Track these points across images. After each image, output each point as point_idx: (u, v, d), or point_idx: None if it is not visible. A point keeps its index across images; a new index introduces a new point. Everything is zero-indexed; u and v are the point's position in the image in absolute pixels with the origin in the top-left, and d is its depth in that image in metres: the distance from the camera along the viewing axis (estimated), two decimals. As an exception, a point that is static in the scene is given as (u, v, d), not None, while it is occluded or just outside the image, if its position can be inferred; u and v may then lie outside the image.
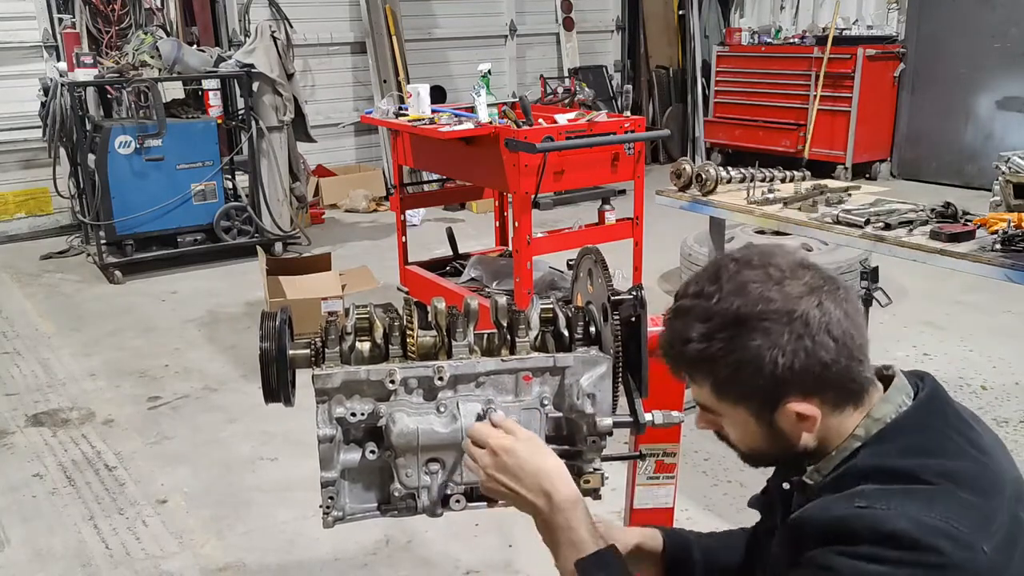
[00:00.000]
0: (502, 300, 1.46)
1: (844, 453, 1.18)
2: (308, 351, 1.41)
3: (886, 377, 1.24)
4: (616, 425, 1.45)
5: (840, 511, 1.08)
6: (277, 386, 1.40)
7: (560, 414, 1.45)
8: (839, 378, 1.14)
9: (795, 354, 1.11)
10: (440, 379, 1.37)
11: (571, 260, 1.72)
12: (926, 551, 1.01)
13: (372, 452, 1.39)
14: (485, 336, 1.47)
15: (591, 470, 1.49)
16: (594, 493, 1.52)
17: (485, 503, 1.47)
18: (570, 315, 1.48)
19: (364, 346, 1.43)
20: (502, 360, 1.41)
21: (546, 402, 1.43)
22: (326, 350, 1.39)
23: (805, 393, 1.14)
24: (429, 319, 1.45)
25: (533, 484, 1.27)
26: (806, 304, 1.12)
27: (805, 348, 1.11)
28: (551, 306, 1.49)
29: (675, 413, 1.56)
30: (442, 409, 1.38)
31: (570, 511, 1.26)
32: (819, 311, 1.12)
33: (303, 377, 1.44)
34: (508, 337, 1.45)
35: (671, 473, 1.92)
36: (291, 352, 1.41)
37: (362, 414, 1.37)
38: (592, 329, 1.47)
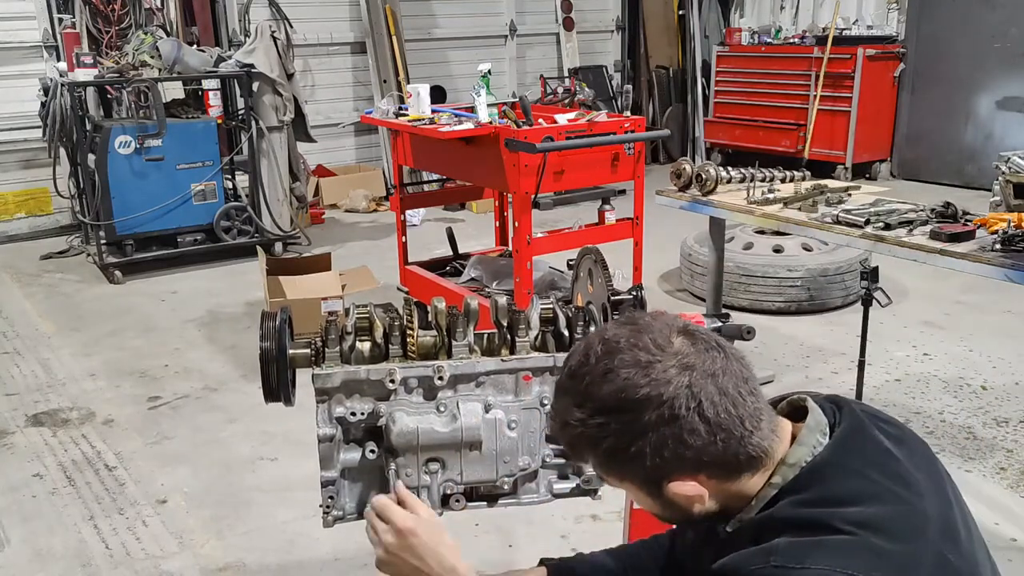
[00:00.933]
0: (502, 300, 1.46)
1: (763, 501, 1.14)
2: (308, 351, 1.42)
3: (800, 408, 1.21)
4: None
5: (754, 568, 1.06)
6: (277, 386, 1.40)
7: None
8: (717, 457, 1.11)
9: (663, 442, 1.09)
10: (440, 379, 1.37)
11: (571, 260, 1.72)
12: None
13: (372, 452, 1.39)
14: (485, 336, 1.47)
15: (590, 470, 1.50)
16: (593, 494, 1.52)
17: (485, 503, 1.47)
18: (570, 315, 1.48)
19: (364, 346, 1.43)
20: (502, 360, 1.41)
21: (546, 401, 1.43)
22: (326, 350, 1.39)
23: (683, 474, 1.12)
24: (429, 319, 1.45)
25: (436, 563, 1.29)
26: (674, 388, 1.08)
27: (673, 435, 1.08)
28: (551, 306, 1.49)
29: None
30: (442, 409, 1.38)
31: None
32: (688, 392, 1.08)
33: (303, 377, 1.44)
34: (508, 337, 1.45)
35: None
36: (291, 352, 1.41)
37: (362, 414, 1.37)
38: (592, 329, 1.47)
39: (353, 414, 1.37)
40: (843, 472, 1.12)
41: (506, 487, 1.46)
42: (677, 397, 1.08)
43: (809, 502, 1.10)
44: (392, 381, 1.37)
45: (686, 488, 1.12)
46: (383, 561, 1.32)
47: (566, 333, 1.47)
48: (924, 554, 1.05)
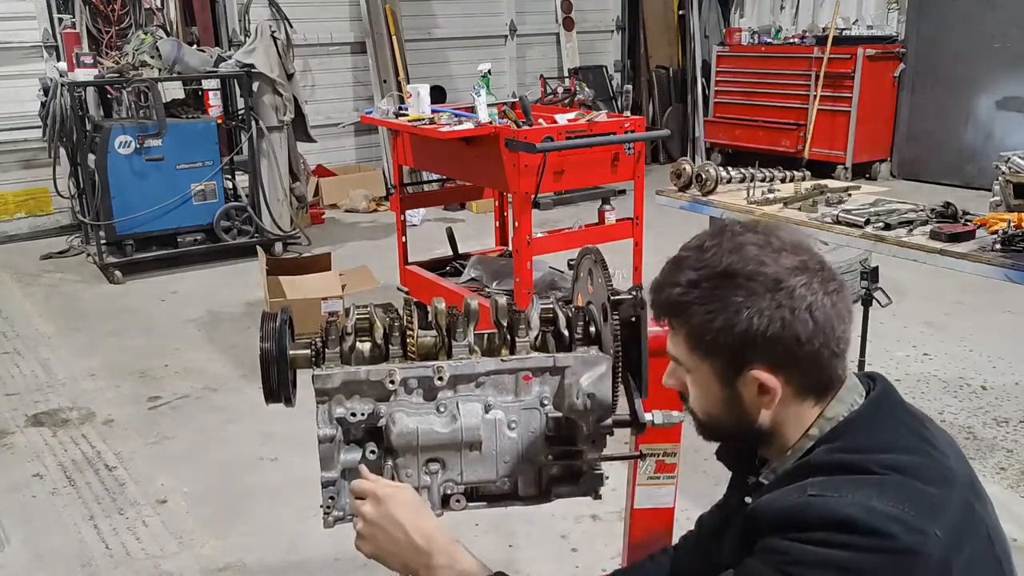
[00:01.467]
0: (502, 300, 1.46)
1: (799, 452, 1.19)
2: (308, 351, 1.41)
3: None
4: (616, 424, 1.45)
5: (791, 500, 1.09)
6: (278, 386, 1.40)
7: (560, 414, 1.45)
8: (809, 360, 1.15)
9: (771, 320, 1.12)
10: (440, 379, 1.37)
11: (572, 260, 1.72)
12: (878, 536, 1.02)
13: (372, 452, 1.39)
14: (485, 336, 1.47)
15: (591, 470, 1.49)
16: (594, 493, 1.52)
17: (485, 503, 1.47)
18: (570, 315, 1.48)
19: (364, 346, 1.42)
20: (502, 360, 1.41)
21: (546, 402, 1.43)
22: (326, 350, 1.39)
23: (772, 364, 1.15)
24: (429, 319, 1.45)
25: (413, 526, 1.26)
26: (795, 279, 1.13)
27: (783, 318, 1.12)
28: (551, 306, 1.49)
29: (675, 413, 1.56)
30: (442, 409, 1.38)
31: (453, 550, 1.26)
32: (806, 290, 1.13)
33: (303, 377, 1.44)
34: (508, 337, 1.44)
35: (671, 473, 1.92)
36: (291, 352, 1.41)
37: (362, 414, 1.37)
38: (592, 329, 1.47)
39: (353, 415, 1.37)
40: (877, 426, 1.17)
41: (506, 487, 1.46)
42: (796, 287, 1.13)
43: (843, 449, 1.14)
44: (392, 382, 1.37)
45: (765, 378, 1.15)
46: (362, 535, 1.30)
47: (566, 333, 1.47)
48: (953, 499, 1.09)
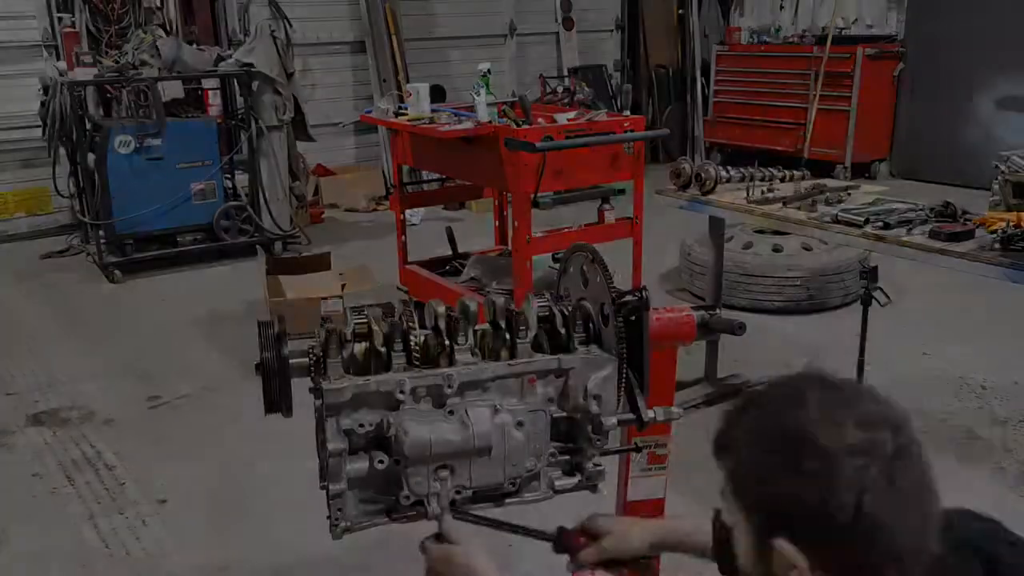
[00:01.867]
0: (500, 300, 1.46)
1: None
2: (306, 360, 1.40)
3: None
4: (620, 423, 1.46)
5: None
6: (279, 397, 1.39)
7: (563, 413, 1.45)
8: (845, 553, 1.02)
9: (806, 492, 1.01)
10: (450, 387, 1.37)
11: (557, 255, 1.72)
12: None
13: (381, 462, 1.37)
14: (480, 333, 1.47)
15: (591, 466, 1.50)
16: (594, 488, 1.52)
17: (491, 503, 1.47)
18: (566, 313, 1.48)
19: (367, 353, 1.42)
20: (508, 364, 1.41)
21: (551, 403, 1.42)
22: (328, 360, 1.37)
23: (800, 542, 1.04)
24: (427, 322, 1.45)
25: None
26: (849, 460, 1.00)
27: (818, 495, 1.01)
28: (547, 304, 1.49)
29: (675, 409, 1.57)
30: (452, 416, 1.37)
31: None
32: (857, 475, 1.00)
33: (297, 380, 1.43)
34: (508, 338, 1.44)
35: (663, 464, 1.94)
36: (292, 362, 1.40)
37: (370, 425, 1.36)
38: (591, 326, 1.47)
39: (361, 426, 1.36)
40: None
41: (512, 487, 1.46)
42: (846, 468, 1.00)
43: None
44: (402, 392, 1.35)
45: (793, 556, 1.04)
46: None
47: (563, 331, 1.47)
48: None
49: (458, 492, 1.41)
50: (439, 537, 1.43)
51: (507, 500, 1.49)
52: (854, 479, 1.00)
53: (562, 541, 1.51)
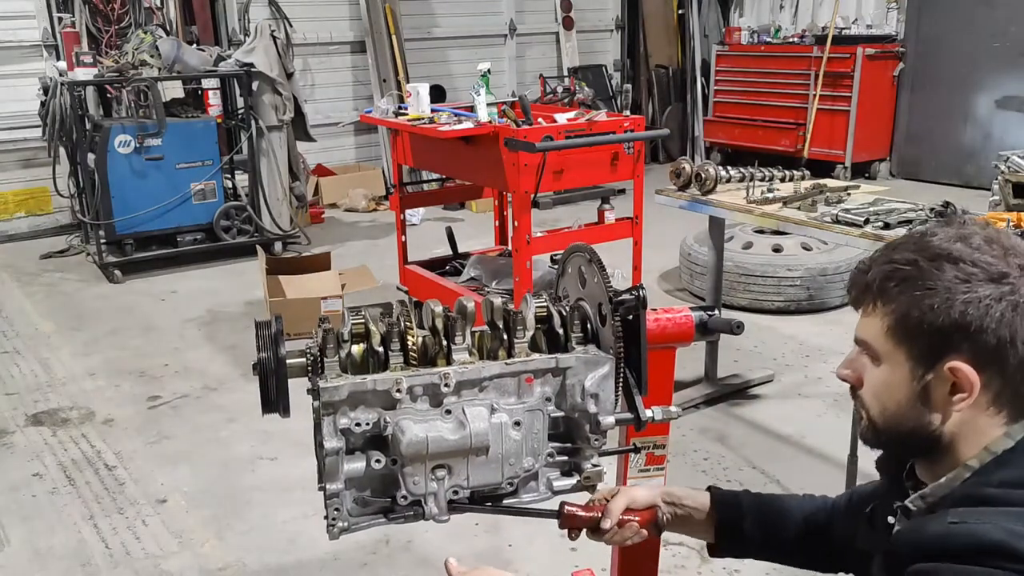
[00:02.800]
0: (497, 301, 1.46)
1: (953, 483, 1.13)
2: (304, 360, 1.40)
3: None
4: (618, 423, 1.46)
5: (931, 529, 1.06)
6: (276, 397, 1.39)
7: (561, 413, 1.45)
8: (1017, 366, 1.07)
9: (988, 310, 1.06)
10: (447, 386, 1.37)
11: (555, 255, 1.72)
12: (1020, 559, 0.98)
13: (378, 462, 1.37)
14: (478, 334, 1.47)
15: (589, 467, 1.50)
16: (591, 489, 1.52)
17: (488, 504, 1.47)
18: (564, 313, 1.48)
19: (364, 353, 1.42)
20: (506, 364, 1.40)
21: (549, 403, 1.42)
22: (325, 360, 1.37)
23: (977, 359, 1.07)
24: (425, 323, 1.44)
25: None
26: (1021, 280, 1.07)
27: (1001, 312, 1.05)
28: (545, 304, 1.49)
29: (673, 409, 1.57)
30: (449, 415, 1.37)
31: None
32: None
33: (294, 381, 1.43)
34: (505, 337, 1.44)
35: (661, 465, 1.94)
36: (290, 362, 1.39)
37: (367, 424, 1.36)
38: (588, 327, 1.47)
39: (358, 424, 1.36)
40: None
41: (509, 488, 1.46)
42: (1021, 287, 1.07)
43: (990, 483, 1.08)
44: (399, 391, 1.35)
45: (966, 371, 1.08)
46: None
47: (561, 332, 1.47)
48: None
49: (455, 492, 1.41)
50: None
51: (505, 501, 1.48)
52: None
53: (564, 515, 1.54)
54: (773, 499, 1.58)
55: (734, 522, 1.54)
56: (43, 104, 6.15)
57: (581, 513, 1.55)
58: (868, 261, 1.19)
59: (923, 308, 1.09)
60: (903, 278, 1.11)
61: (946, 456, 1.14)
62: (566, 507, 1.55)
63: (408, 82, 7.40)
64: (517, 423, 1.41)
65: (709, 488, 1.60)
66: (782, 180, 3.92)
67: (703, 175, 3.80)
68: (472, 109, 4.32)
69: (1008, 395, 1.10)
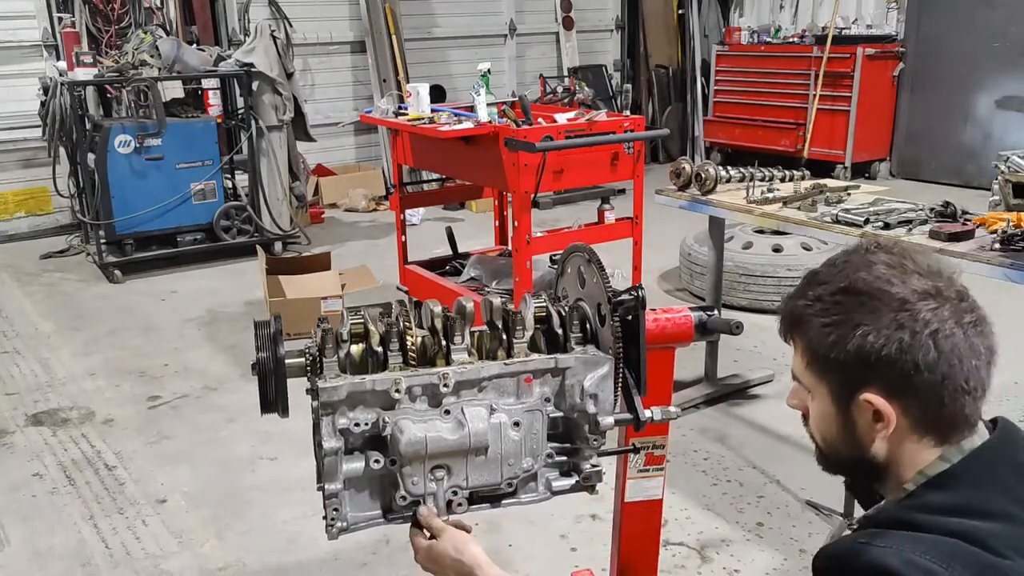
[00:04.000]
0: (496, 301, 1.46)
1: (887, 504, 1.15)
2: (303, 360, 1.40)
3: None
4: (617, 423, 1.46)
5: (840, 547, 1.08)
6: (275, 397, 1.39)
7: (560, 413, 1.45)
8: (929, 391, 1.08)
9: (888, 340, 1.07)
10: (446, 386, 1.36)
11: (554, 255, 1.72)
12: None
13: (377, 462, 1.37)
14: (477, 335, 1.47)
15: (588, 467, 1.50)
16: (591, 489, 1.52)
17: (488, 504, 1.46)
18: (563, 313, 1.48)
19: (363, 353, 1.41)
20: (505, 364, 1.40)
21: (548, 403, 1.42)
22: (324, 360, 1.37)
23: (887, 390, 1.09)
24: (424, 323, 1.44)
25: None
26: (923, 303, 1.08)
27: (900, 339, 1.07)
28: (544, 305, 1.49)
29: (672, 409, 1.57)
30: (448, 415, 1.37)
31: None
32: (933, 315, 1.07)
33: (293, 381, 1.43)
34: (504, 338, 1.44)
35: (660, 465, 1.94)
36: (289, 362, 1.39)
37: (366, 424, 1.36)
38: (588, 327, 1.47)
39: (357, 425, 1.36)
40: (966, 484, 1.10)
41: (508, 488, 1.46)
42: (922, 311, 1.08)
43: (915, 507, 1.10)
44: (398, 391, 1.35)
45: (879, 403, 1.09)
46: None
47: (560, 332, 1.47)
48: (1017, 572, 1.03)
49: (455, 492, 1.40)
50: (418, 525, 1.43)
51: (504, 501, 1.48)
52: (930, 320, 1.07)
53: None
54: None
55: None
56: (43, 104, 6.15)
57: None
58: (788, 295, 1.21)
59: (827, 344, 1.12)
60: (810, 315, 1.14)
61: (888, 479, 1.16)
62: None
63: (408, 82, 7.40)
64: (516, 423, 1.41)
65: None
66: (782, 180, 3.92)
67: (703, 175, 3.80)
68: (472, 109, 4.32)
69: (929, 419, 1.11)
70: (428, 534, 1.41)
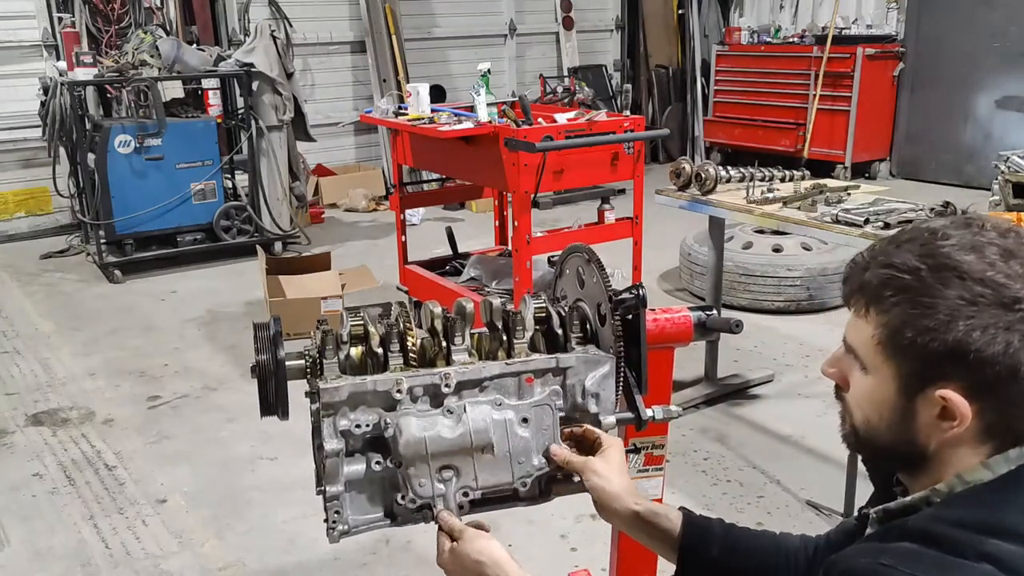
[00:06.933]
0: (496, 301, 1.46)
1: (918, 505, 1.06)
2: (303, 362, 1.39)
3: None
4: (619, 422, 1.46)
5: (860, 564, 0.98)
6: (275, 400, 1.38)
7: (562, 413, 1.45)
8: (1016, 401, 0.98)
9: (992, 339, 0.95)
10: (447, 386, 1.36)
11: (553, 256, 1.71)
12: None
13: (378, 463, 1.36)
14: (478, 336, 1.47)
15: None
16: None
17: (488, 506, 1.46)
18: (563, 314, 1.48)
19: (363, 355, 1.41)
20: (506, 364, 1.40)
21: (556, 400, 1.42)
22: (324, 361, 1.36)
23: (971, 390, 0.98)
24: (424, 324, 1.44)
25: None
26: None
27: (1007, 342, 0.95)
28: (544, 305, 1.49)
29: (674, 408, 1.57)
30: (449, 415, 1.37)
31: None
32: None
33: (292, 383, 1.43)
34: (504, 338, 1.44)
35: (660, 465, 1.94)
36: (289, 364, 1.39)
37: (367, 425, 1.35)
38: (588, 327, 1.47)
39: (358, 426, 1.35)
40: (1004, 501, 1.00)
41: (524, 488, 1.44)
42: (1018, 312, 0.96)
43: (948, 520, 0.99)
44: (399, 391, 1.35)
45: (957, 402, 0.98)
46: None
47: (560, 332, 1.47)
48: None
49: (465, 493, 1.39)
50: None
51: (505, 503, 1.47)
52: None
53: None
54: (746, 531, 1.47)
55: (702, 545, 1.41)
56: (43, 104, 6.15)
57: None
58: (867, 256, 1.07)
59: (919, 328, 0.99)
60: (901, 288, 1.01)
61: (924, 473, 1.07)
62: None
63: (408, 82, 7.40)
64: (524, 420, 1.40)
65: (681, 508, 1.49)
66: (782, 180, 3.93)
67: (703, 175, 3.81)
68: (472, 109, 4.32)
69: (1000, 429, 1.01)
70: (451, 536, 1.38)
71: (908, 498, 1.08)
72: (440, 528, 1.39)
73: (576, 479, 1.47)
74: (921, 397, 1.02)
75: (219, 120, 6.63)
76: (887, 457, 1.12)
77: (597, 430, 1.44)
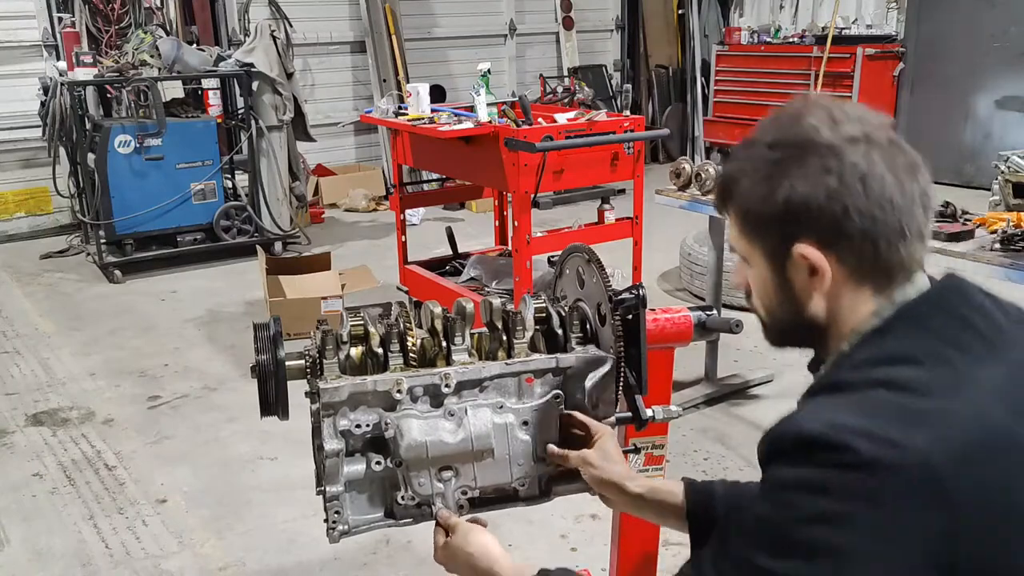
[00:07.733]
0: (496, 302, 1.46)
1: (828, 370, 1.12)
2: (302, 362, 1.39)
3: None
4: (619, 422, 1.46)
5: (778, 426, 1.05)
6: (275, 400, 1.38)
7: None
8: (861, 236, 1.04)
9: (815, 187, 1.03)
10: (447, 386, 1.36)
11: (552, 256, 1.71)
12: (838, 451, 0.95)
13: (378, 464, 1.36)
14: (478, 336, 1.47)
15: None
16: (591, 490, 1.52)
17: (488, 506, 1.46)
18: (563, 314, 1.48)
19: (363, 355, 1.41)
20: (506, 364, 1.40)
21: (559, 399, 1.42)
22: (324, 361, 1.36)
23: (819, 240, 1.05)
24: (424, 323, 1.44)
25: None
26: (852, 148, 1.04)
27: (828, 186, 1.03)
28: (544, 305, 1.49)
29: (673, 408, 1.57)
30: (450, 416, 1.37)
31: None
32: (863, 159, 1.03)
33: (292, 383, 1.43)
34: (504, 338, 1.44)
35: (660, 465, 1.94)
36: (289, 364, 1.38)
37: (367, 425, 1.35)
38: (588, 327, 1.47)
39: (359, 426, 1.35)
40: (895, 334, 1.06)
41: (523, 488, 1.44)
42: (848, 154, 1.04)
43: (845, 364, 1.07)
44: (399, 392, 1.35)
45: (813, 255, 1.05)
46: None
47: (560, 332, 1.46)
48: (961, 411, 0.97)
49: (464, 492, 1.40)
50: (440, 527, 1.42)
51: (505, 503, 1.48)
52: (859, 163, 1.03)
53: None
54: (749, 485, 1.49)
55: (708, 507, 1.44)
56: (43, 104, 6.15)
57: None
58: (722, 177, 1.17)
59: (755, 200, 1.08)
60: (736, 175, 1.11)
61: (831, 343, 1.13)
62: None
63: (408, 82, 7.40)
64: (525, 423, 1.40)
65: (684, 478, 1.50)
66: (782, 180, 3.92)
67: (703, 175, 3.81)
68: (472, 109, 4.32)
69: (865, 268, 1.07)
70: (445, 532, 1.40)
71: (823, 368, 1.14)
72: (437, 524, 1.40)
73: (578, 480, 1.48)
74: (789, 264, 1.08)
75: (219, 120, 6.63)
76: (796, 339, 1.19)
77: (585, 418, 1.44)
